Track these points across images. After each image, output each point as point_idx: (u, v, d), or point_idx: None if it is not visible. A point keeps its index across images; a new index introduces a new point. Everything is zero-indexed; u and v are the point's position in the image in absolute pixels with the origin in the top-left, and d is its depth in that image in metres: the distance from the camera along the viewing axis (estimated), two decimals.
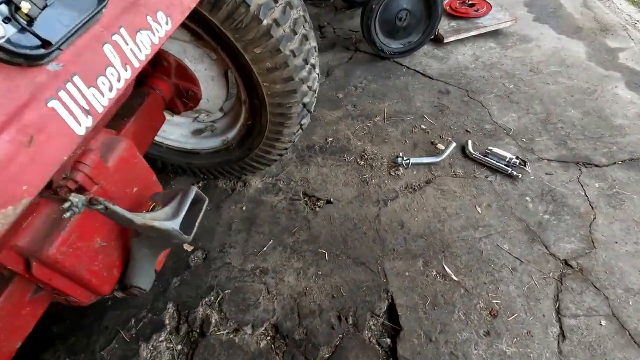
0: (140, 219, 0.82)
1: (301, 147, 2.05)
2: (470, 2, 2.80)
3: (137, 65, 0.59)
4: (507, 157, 1.76)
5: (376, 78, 2.48)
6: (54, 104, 0.47)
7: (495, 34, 2.72)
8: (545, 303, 1.35)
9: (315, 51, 1.43)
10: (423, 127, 2.08)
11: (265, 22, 1.13)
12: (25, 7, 0.44)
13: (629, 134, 1.89)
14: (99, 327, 1.48)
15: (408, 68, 2.53)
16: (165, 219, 0.88)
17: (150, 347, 1.42)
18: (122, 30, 0.57)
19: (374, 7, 2.29)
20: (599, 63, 2.38)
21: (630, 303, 1.31)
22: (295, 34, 1.25)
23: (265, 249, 1.64)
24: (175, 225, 0.87)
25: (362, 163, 1.92)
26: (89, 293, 0.98)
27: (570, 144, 1.88)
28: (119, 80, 0.56)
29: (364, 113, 2.23)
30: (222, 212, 1.80)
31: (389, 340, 1.34)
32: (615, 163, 1.77)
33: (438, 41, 2.69)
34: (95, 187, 0.91)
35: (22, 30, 0.45)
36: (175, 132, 1.77)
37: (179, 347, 1.41)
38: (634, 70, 2.30)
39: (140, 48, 0.60)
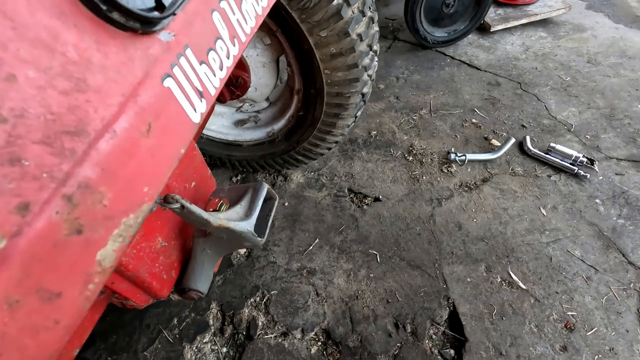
0: (216, 219, 0.73)
1: (343, 140, 1.94)
2: None
3: (243, 39, 0.49)
4: (572, 155, 1.62)
5: (418, 68, 2.34)
6: (169, 82, 0.37)
7: (544, 23, 2.55)
8: (627, 317, 1.23)
9: (378, 36, 1.31)
10: (474, 120, 1.94)
11: (335, 2, 1.02)
12: None
13: None
14: (140, 325, 1.41)
15: (452, 58, 2.38)
16: (237, 219, 0.79)
17: (194, 348, 1.34)
18: None
19: None
20: None
21: None
22: (364, 15, 1.13)
23: (311, 247, 1.55)
24: (249, 226, 0.78)
25: (410, 158, 1.81)
26: (148, 296, 0.90)
27: None
28: (227, 57, 0.46)
29: (407, 105, 2.10)
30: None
31: (452, 352, 1.24)
32: None
33: (483, 30, 2.53)
34: None
35: None
36: (216, 121, 1.68)
37: (224, 350, 1.34)
38: None
39: (245, 19, 0.50)
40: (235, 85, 1.42)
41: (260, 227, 0.82)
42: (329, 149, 1.59)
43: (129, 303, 0.90)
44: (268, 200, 0.89)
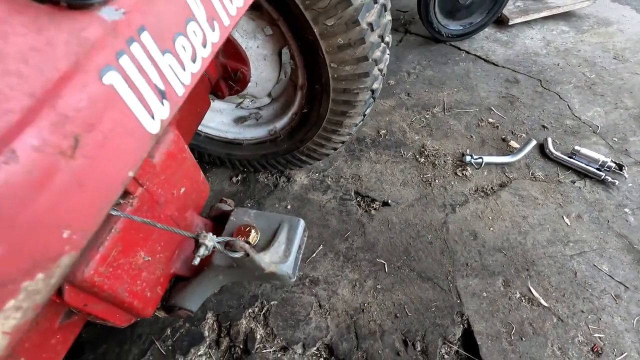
0: (268, 265, 0.66)
1: (350, 140, 1.83)
2: None
3: (227, 22, 0.38)
4: (599, 160, 1.49)
5: (431, 63, 2.21)
6: (112, 77, 0.26)
7: (566, 16, 2.40)
8: None
9: (390, 26, 1.19)
10: (490, 120, 1.82)
11: None
12: None
13: None
14: (132, 335, 1.33)
15: (467, 52, 2.25)
16: (278, 261, 0.71)
17: None
18: None
19: None
20: None
21: None
22: (376, 2, 1.01)
23: (314, 254, 1.45)
24: (289, 269, 0.71)
25: (422, 160, 1.69)
26: (129, 316, 0.81)
27: None
28: (204, 45, 0.35)
29: (419, 102, 1.98)
30: (264, 210, 1.61)
31: None
32: None
33: (501, 23, 2.39)
34: (140, 190, 0.72)
35: None
36: (215, 118, 1.57)
37: None
38: None
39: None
40: (234, 80, 1.32)
41: (294, 265, 0.75)
42: (335, 149, 1.48)
43: (107, 323, 0.81)
44: (303, 232, 0.82)
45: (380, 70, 1.21)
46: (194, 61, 0.34)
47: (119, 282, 0.71)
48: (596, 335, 1.14)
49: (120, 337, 1.33)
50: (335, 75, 1.11)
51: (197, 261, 0.58)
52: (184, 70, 0.33)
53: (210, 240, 0.59)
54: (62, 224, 0.23)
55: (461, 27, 2.26)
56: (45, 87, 0.23)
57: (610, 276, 1.25)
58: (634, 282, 1.23)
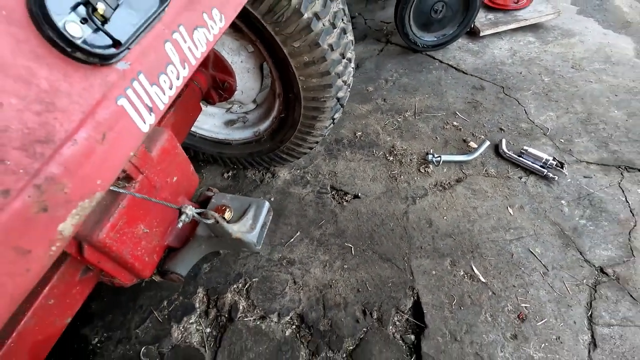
0: (235, 232, 0.88)
1: (329, 140, 2.05)
2: None
3: (193, 62, 0.61)
4: (543, 158, 1.70)
5: (407, 71, 2.43)
6: (122, 102, 0.49)
7: (534, 28, 2.61)
8: (576, 310, 1.32)
9: (352, 45, 1.41)
10: (455, 123, 2.03)
11: (305, 16, 1.13)
12: (101, 7, 0.46)
13: None
14: (134, 306, 1.55)
15: (441, 62, 2.47)
16: (245, 231, 0.94)
17: (181, 327, 1.48)
18: (181, 28, 0.59)
19: None
20: None
21: None
22: (334, 27, 1.24)
23: (292, 240, 1.67)
24: (254, 238, 0.93)
25: (391, 158, 1.91)
26: (132, 276, 1.03)
27: (612, 146, 1.79)
28: (177, 78, 0.58)
29: (393, 107, 2.20)
30: None
31: (412, 337, 1.35)
32: None
33: (473, 34, 2.60)
34: (141, 176, 0.95)
35: (96, 30, 0.47)
36: (208, 121, 1.80)
37: (208, 330, 1.47)
38: None
39: (196, 45, 0.61)
40: (222, 89, 1.55)
41: (259, 236, 0.97)
42: (311, 148, 1.71)
43: (116, 281, 1.04)
44: (267, 212, 1.04)
45: (344, 82, 1.44)
46: (170, 88, 0.57)
47: (124, 246, 0.93)
48: (523, 305, 1.35)
49: (124, 308, 1.56)
50: (304, 87, 1.34)
51: (179, 225, 0.80)
52: (164, 94, 0.56)
53: (190, 210, 0.81)
54: (97, 176, 0.45)
55: (435, 39, 2.48)
56: (89, 107, 0.45)
57: (541, 257, 1.46)
58: (560, 262, 1.44)
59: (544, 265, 1.44)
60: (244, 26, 1.23)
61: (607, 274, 1.39)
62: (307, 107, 1.43)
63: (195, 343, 1.42)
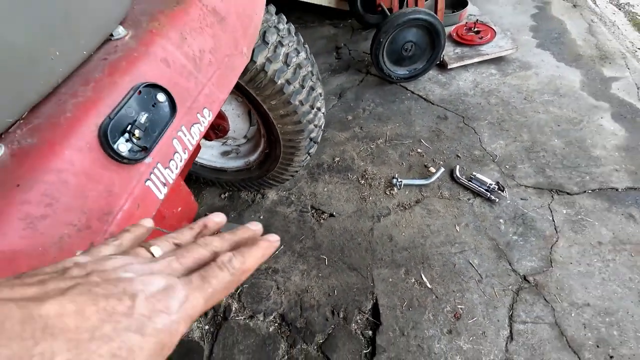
0: None
1: (312, 165, 2.39)
2: (476, 29, 3.02)
3: (191, 148, 0.95)
4: (487, 183, 2.03)
5: (382, 101, 2.77)
6: (148, 183, 0.83)
7: (498, 60, 2.93)
8: (501, 310, 1.64)
9: (321, 96, 1.76)
10: (419, 150, 2.36)
11: (279, 83, 1.47)
12: (138, 133, 0.80)
13: (604, 164, 2.10)
14: None
15: (412, 92, 2.80)
16: None
17: None
18: (183, 128, 0.93)
19: (381, 40, 2.57)
20: (590, 93, 2.57)
21: (572, 315, 1.58)
22: (303, 87, 1.58)
23: (276, 252, 2.00)
24: None
25: (363, 182, 2.24)
26: None
27: (548, 172, 2.11)
28: (180, 160, 0.92)
29: (368, 135, 2.54)
30: (243, 220, 2.18)
31: (370, 332, 1.67)
32: (585, 191, 2.00)
33: (442, 67, 2.94)
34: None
35: (134, 144, 0.81)
36: (207, 152, 2.15)
37: (206, 327, 1.81)
38: (623, 101, 2.47)
39: (193, 136, 0.96)
40: (218, 130, 1.90)
41: None
42: (292, 175, 2.05)
43: None
44: None
45: (316, 125, 1.78)
46: (176, 168, 0.90)
47: None
48: (459, 306, 1.67)
49: None
50: (282, 131, 1.68)
51: None
52: (172, 172, 0.89)
53: None
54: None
55: (407, 72, 2.82)
56: (130, 190, 0.79)
57: (478, 267, 1.78)
58: (493, 271, 1.76)
59: (479, 274, 1.76)
60: (234, 88, 1.58)
61: (528, 282, 1.71)
62: (285, 146, 1.77)
63: (196, 337, 1.75)
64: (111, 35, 0.90)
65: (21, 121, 0.73)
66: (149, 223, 0.51)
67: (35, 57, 0.69)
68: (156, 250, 0.42)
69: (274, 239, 0.49)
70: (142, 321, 0.32)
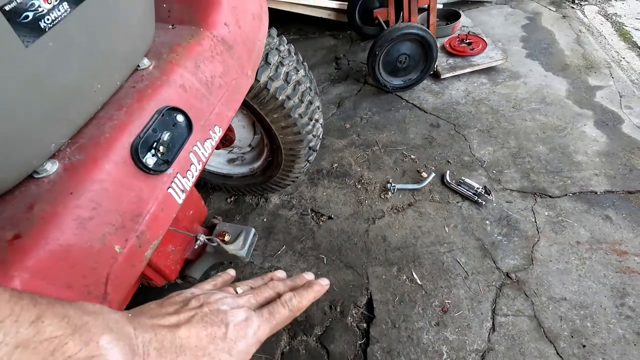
0: (230, 250, 1.38)
1: (312, 171, 2.55)
2: (468, 41, 3.18)
3: (204, 159, 1.12)
4: (475, 187, 2.18)
5: (379, 110, 2.93)
6: (170, 190, 1.00)
7: (489, 70, 3.09)
8: (485, 304, 1.78)
9: (319, 109, 1.92)
10: (412, 156, 2.52)
11: (280, 98, 1.64)
12: (162, 148, 0.97)
13: (584, 169, 2.24)
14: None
15: (407, 101, 2.96)
16: (238, 249, 1.44)
17: None
18: (198, 143, 1.10)
19: (377, 52, 2.74)
20: (575, 101, 2.71)
21: (550, 308, 1.72)
22: (302, 102, 1.75)
23: (279, 252, 2.16)
24: (243, 254, 1.43)
25: (359, 186, 2.40)
26: (163, 279, 1.54)
27: (532, 177, 2.26)
28: (196, 171, 1.09)
29: (365, 142, 2.70)
30: (248, 222, 2.34)
31: (364, 325, 1.82)
32: (566, 195, 2.14)
33: (436, 76, 3.10)
34: None
35: (159, 158, 0.98)
36: (215, 160, 2.32)
37: None
38: (606, 109, 2.61)
39: (206, 150, 1.12)
40: (225, 140, 2.07)
41: (248, 252, 1.47)
42: (293, 181, 2.21)
43: (152, 282, 1.54)
44: (253, 235, 1.54)
45: (314, 135, 1.94)
46: (192, 177, 1.07)
47: (159, 259, 1.44)
48: (446, 301, 1.82)
49: None
50: (283, 141, 1.85)
51: (195, 246, 1.30)
52: (189, 180, 1.05)
53: (202, 237, 1.31)
54: (158, 229, 0.96)
55: (402, 82, 2.98)
56: (155, 196, 0.95)
57: (464, 265, 1.93)
58: (478, 269, 1.91)
59: (465, 271, 1.90)
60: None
61: (510, 278, 1.85)
62: (286, 154, 1.93)
63: None
64: (138, 66, 1.07)
65: (70, 141, 0.90)
66: (232, 272, 0.75)
67: (83, 91, 0.86)
68: (239, 290, 0.60)
69: (324, 283, 0.68)
70: (231, 344, 0.49)
